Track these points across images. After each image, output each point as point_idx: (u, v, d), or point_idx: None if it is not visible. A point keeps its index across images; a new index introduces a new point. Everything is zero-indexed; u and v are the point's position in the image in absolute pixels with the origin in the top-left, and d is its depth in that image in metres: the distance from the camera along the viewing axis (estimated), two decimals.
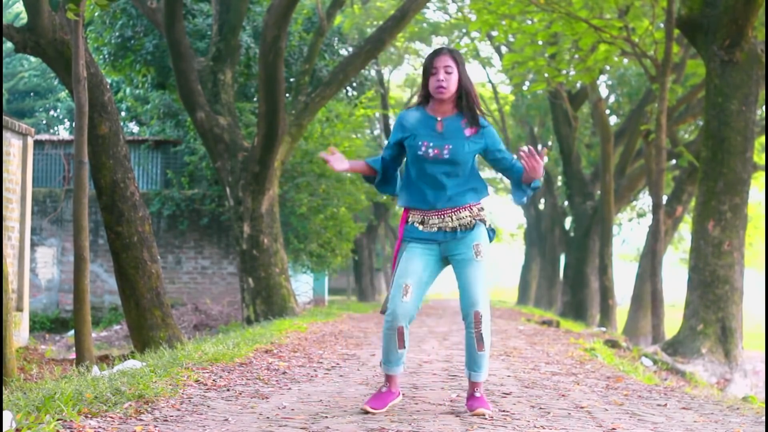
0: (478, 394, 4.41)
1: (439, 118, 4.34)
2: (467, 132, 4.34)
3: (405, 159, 4.47)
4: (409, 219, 4.42)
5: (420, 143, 4.31)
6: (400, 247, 4.43)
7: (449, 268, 4.52)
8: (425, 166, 4.33)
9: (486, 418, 4.27)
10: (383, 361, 4.42)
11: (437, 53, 4.33)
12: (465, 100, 4.32)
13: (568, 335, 10.91)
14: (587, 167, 25.74)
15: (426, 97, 4.37)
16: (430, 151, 4.31)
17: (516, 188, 4.45)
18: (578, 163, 23.47)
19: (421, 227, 4.36)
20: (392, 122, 30.84)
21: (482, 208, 4.44)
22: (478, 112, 4.35)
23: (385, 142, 30.35)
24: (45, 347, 13.49)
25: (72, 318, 13.78)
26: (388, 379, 4.43)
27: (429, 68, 4.30)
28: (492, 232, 4.46)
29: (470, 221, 4.34)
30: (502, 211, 50.79)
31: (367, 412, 4.29)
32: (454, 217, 4.34)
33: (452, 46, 4.61)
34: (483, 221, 4.39)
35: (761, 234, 30.33)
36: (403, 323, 4.30)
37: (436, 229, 4.34)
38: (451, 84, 4.27)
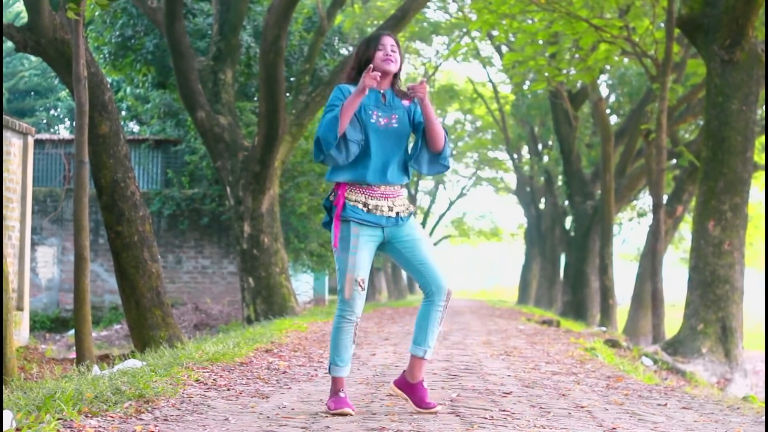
0: (426, 384, 4.42)
1: (381, 91, 4.43)
2: (404, 102, 4.46)
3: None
4: (350, 197, 4.33)
5: (370, 112, 4.36)
6: (341, 226, 4.32)
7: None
8: (373, 137, 4.35)
9: (436, 411, 4.32)
10: (335, 362, 4.31)
11: (382, 33, 4.52)
12: (396, 77, 4.51)
13: (569, 335, 10.91)
14: (587, 167, 25.72)
15: (359, 73, 4.42)
16: (381, 119, 4.37)
17: (429, 158, 4.47)
18: (578, 162, 23.46)
19: (364, 209, 4.32)
20: None
21: (406, 195, 4.57)
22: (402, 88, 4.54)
23: None
24: (45, 347, 13.49)
25: (72, 317, 13.78)
26: (339, 383, 4.32)
27: (374, 45, 4.43)
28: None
29: (407, 208, 4.42)
30: (502, 211, 50.79)
31: (348, 414, 4.21)
32: (396, 202, 4.37)
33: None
34: (412, 211, 4.48)
35: (761, 234, 30.32)
36: (359, 316, 4.33)
37: (378, 212, 4.33)
38: (396, 60, 4.45)
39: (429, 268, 4.36)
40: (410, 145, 4.50)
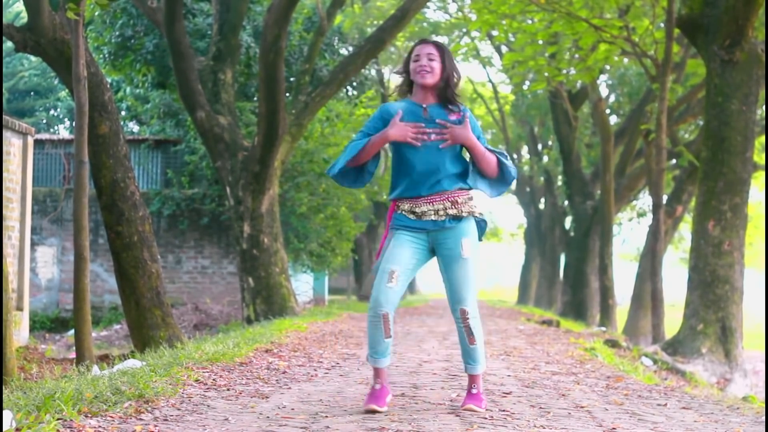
0: (474, 391, 4.43)
1: (424, 105, 4.37)
2: (451, 117, 4.37)
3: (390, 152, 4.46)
4: (398, 208, 4.39)
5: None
6: (387, 235, 4.39)
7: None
8: (413, 154, 4.33)
9: (478, 411, 4.32)
10: (371, 354, 4.36)
11: (420, 42, 4.40)
12: (446, 88, 4.35)
13: (568, 335, 10.91)
14: (587, 167, 25.73)
15: (409, 87, 4.40)
16: (420, 135, 4.33)
17: (489, 183, 4.47)
18: (578, 162, 23.46)
19: (411, 216, 4.34)
20: None
21: (471, 197, 4.44)
22: (457, 100, 4.41)
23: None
24: (45, 347, 13.49)
25: (72, 317, 13.77)
26: (378, 373, 4.37)
27: (411, 55, 4.35)
28: (483, 223, 4.47)
29: (459, 210, 4.34)
30: (502, 211, 50.81)
31: (375, 411, 4.26)
32: (446, 204, 4.33)
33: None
34: (472, 213, 4.39)
35: (761, 234, 30.33)
36: (388, 309, 4.27)
37: (425, 217, 4.32)
38: (434, 70, 4.30)
39: (450, 288, 4.37)
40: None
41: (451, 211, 4.34)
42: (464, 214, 4.35)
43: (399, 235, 4.34)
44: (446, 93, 4.36)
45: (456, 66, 4.41)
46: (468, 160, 4.45)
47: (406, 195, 4.36)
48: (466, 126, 4.33)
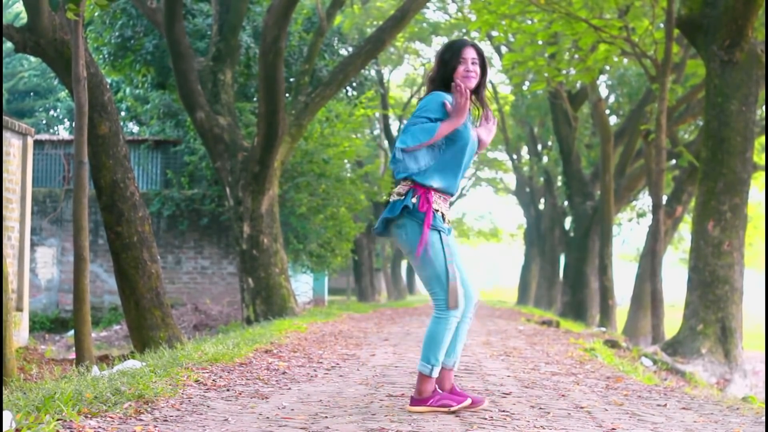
0: (459, 389, 4.50)
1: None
2: (483, 120, 4.51)
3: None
4: (435, 207, 4.32)
5: (469, 126, 4.38)
6: (431, 233, 4.28)
7: None
8: (465, 151, 4.36)
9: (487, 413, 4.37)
10: (438, 357, 4.32)
11: (464, 44, 4.39)
12: (479, 90, 4.44)
13: (568, 335, 10.91)
14: (587, 167, 25.73)
15: (444, 84, 4.36)
16: (473, 134, 4.40)
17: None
18: (578, 163, 23.47)
19: (443, 219, 4.36)
20: (393, 123, 30.85)
21: None
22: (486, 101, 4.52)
23: (386, 142, 30.30)
24: (45, 347, 13.49)
25: (72, 318, 13.77)
26: (433, 382, 4.38)
27: (456, 57, 4.34)
28: None
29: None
30: (502, 211, 50.81)
31: (479, 404, 4.39)
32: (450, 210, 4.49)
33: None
34: None
35: (761, 234, 30.33)
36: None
37: (447, 223, 4.39)
38: (477, 74, 4.37)
39: (463, 281, 4.41)
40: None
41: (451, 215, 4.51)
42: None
43: (450, 245, 4.36)
44: (478, 94, 4.44)
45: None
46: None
47: (447, 190, 4.36)
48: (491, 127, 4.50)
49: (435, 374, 4.36)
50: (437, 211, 4.32)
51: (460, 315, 4.34)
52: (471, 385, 5.53)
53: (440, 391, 4.38)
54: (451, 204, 4.49)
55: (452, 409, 4.33)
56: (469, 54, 4.34)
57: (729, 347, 10.68)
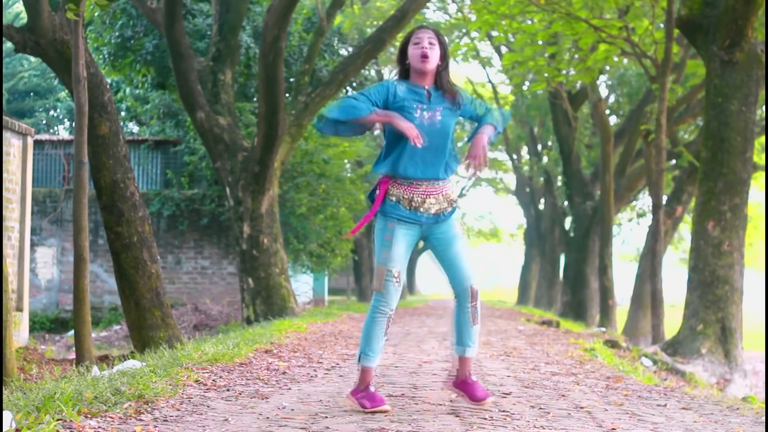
0: (474, 378, 4.49)
1: (426, 87, 4.38)
2: (449, 102, 4.39)
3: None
4: (392, 192, 4.33)
5: (414, 106, 4.31)
6: (375, 215, 4.35)
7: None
8: (419, 127, 4.29)
9: (487, 404, 4.39)
10: (366, 352, 4.35)
11: (419, 28, 4.42)
12: (445, 74, 4.39)
13: (568, 335, 10.91)
14: (587, 167, 25.73)
15: (405, 72, 4.40)
16: (425, 114, 4.32)
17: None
18: (578, 163, 23.47)
19: (408, 207, 4.32)
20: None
21: (453, 188, 4.53)
22: (452, 84, 4.44)
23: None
24: (45, 347, 13.49)
25: (72, 318, 13.77)
26: (367, 374, 4.37)
27: (410, 40, 4.36)
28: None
29: (451, 205, 4.40)
30: (502, 211, 50.80)
31: (385, 411, 4.27)
32: (440, 198, 4.35)
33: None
34: (456, 204, 4.45)
35: (761, 234, 30.34)
36: (394, 310, 4.36)
37: (422, 211, 4.32)
38: (434, 56, 4.33)
39: (456, 268, 4.37)
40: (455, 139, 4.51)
41: (445, 206, 4.39)
42: (453, 207, 4.43)
43: (398, 230, 4.32)
44: (442, 78, 4.39)
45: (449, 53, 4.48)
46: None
47: (401, 175, 4.31)
48: (479, 140, 4.36)
49: (366, 362, 4.35)
50: (392, 196, 4.31)
51: (388, 304, 4.29)
52: None
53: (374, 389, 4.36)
54: (447, 193, 4.38)
55: (366, 410, 4.27)
56: (423, 35, 4.34)
57: (729, 347, 10.68)
